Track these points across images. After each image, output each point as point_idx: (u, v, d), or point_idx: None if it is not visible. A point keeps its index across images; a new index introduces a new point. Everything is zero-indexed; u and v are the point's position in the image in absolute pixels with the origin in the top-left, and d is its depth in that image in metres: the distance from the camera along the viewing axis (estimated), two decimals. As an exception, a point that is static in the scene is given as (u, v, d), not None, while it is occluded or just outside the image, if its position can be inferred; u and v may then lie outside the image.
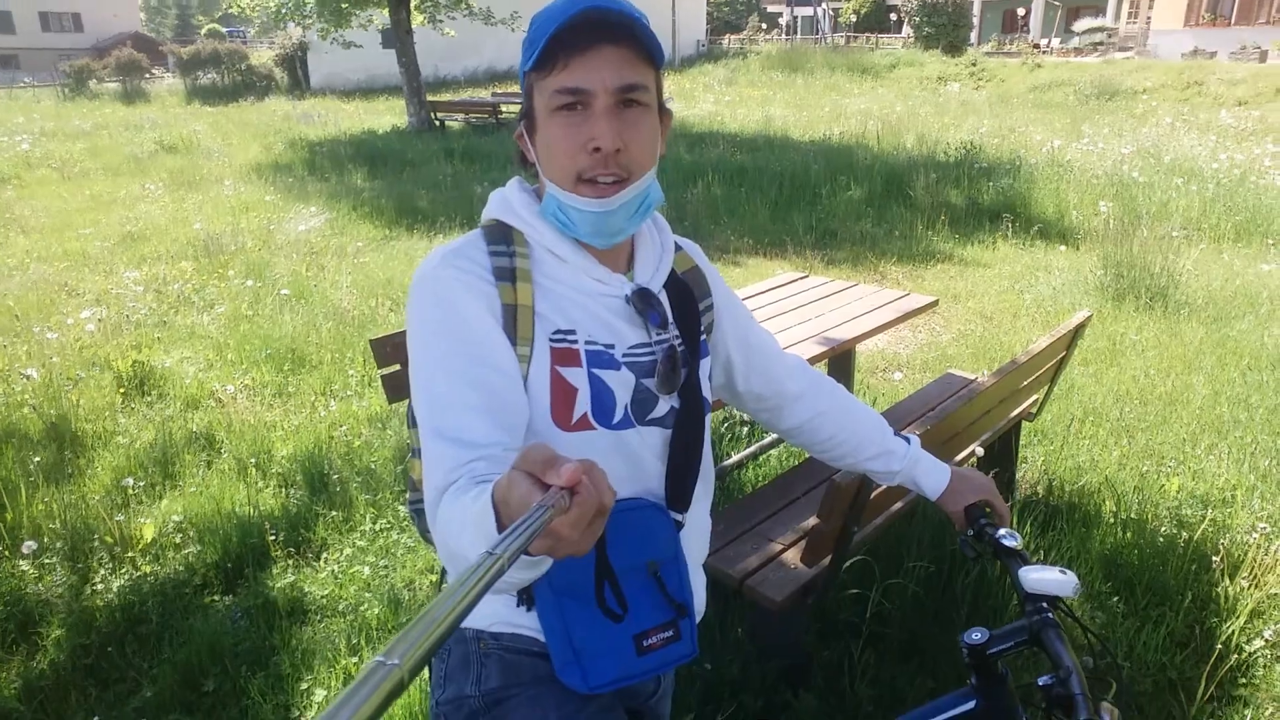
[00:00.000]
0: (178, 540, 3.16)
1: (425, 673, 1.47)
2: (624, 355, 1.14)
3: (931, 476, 1.40)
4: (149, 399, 4.44)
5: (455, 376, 1.02)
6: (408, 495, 1.31)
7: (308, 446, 3.81)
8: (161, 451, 3.77)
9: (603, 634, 1.11)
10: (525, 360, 1.07)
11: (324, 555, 3.08)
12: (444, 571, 1.30)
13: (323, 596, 2.86)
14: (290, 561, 3.04)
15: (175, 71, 31.90)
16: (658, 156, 1.11)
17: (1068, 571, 1.17)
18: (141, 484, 3.53)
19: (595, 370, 1.11)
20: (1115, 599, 2.61)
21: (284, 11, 16.63)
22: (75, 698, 2.44)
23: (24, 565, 2.98)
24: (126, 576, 2.94)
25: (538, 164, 1.11)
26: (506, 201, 1.16)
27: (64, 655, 2.59)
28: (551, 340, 1.09)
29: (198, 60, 29.50)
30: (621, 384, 1.13)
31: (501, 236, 1.12)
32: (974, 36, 32.87)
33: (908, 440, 1.43)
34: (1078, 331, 2.86)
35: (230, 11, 17.85)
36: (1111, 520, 3.01)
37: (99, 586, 2.88)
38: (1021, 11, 37.05)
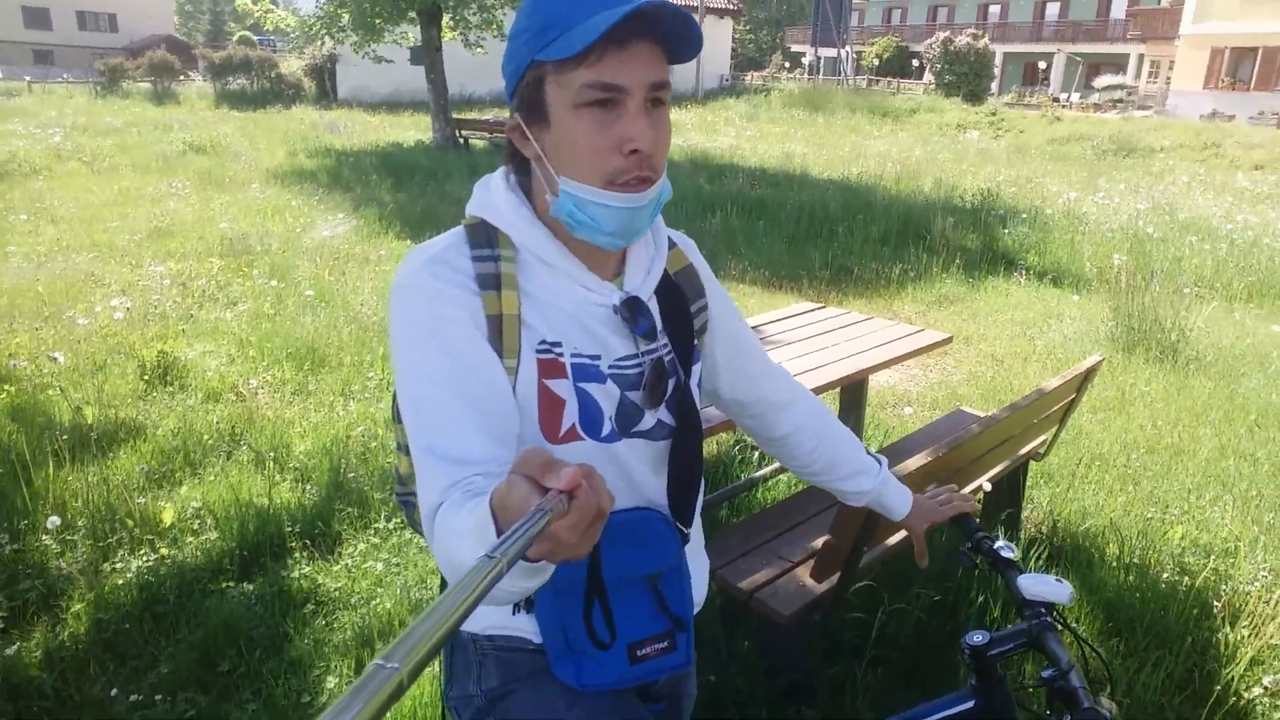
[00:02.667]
0: (195, 526, 3.23)
1: (435, 666, 1.51)
2: (610, 368, 1.10)
3: (898, 498, 1.43)
4: (171, 389, 4.52)
5: (444, 391, 0.98)
6: (396, 488, 1.31)
7: (326, 444, 3.88)
8: (182, 440, 3.84)
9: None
10: (513, 372, 1.04)
11: (338, 550, 3.14)
12: (444, 579, 1.34)
13: (336, 589, 2.91)
14: (306, 554, 3.10)
15: (206, 75, 32.41)
16: None
17: (1063, 580, 1.24)
18: (163, 470, 3.60)
19: (580, 384, 1.08)
20: (1116, 639, 2.65)
21: (319, 27, 16.95)
22: (94, 669, 2.50)
23: (47, 539, 3.04)
24: (145, 558, 3.00)
25: (544, 160, 1.04)
26: (491, 199, 1.10)
27: (84, 629, 2.65)
28: (538, 351, 1.06)
29: (229, 65, 29.98)
30: (606, 397, 1.10)
31: (485, 239, 1.07)
32: (995, 86, 33.23)
33: (879, 462, 1.44)
34: (1089, 375, 2.92)
35: (263, 26, 18.18)
36: (1114, 563, 3.06)
37: (118, 565, 2.95)
38: (1043, 65, 37.50)
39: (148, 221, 8.93)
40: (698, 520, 1.27)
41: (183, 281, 6.53)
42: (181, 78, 32.55)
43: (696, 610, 1.25)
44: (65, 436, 3.70)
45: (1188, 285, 6.52)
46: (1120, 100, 29.65)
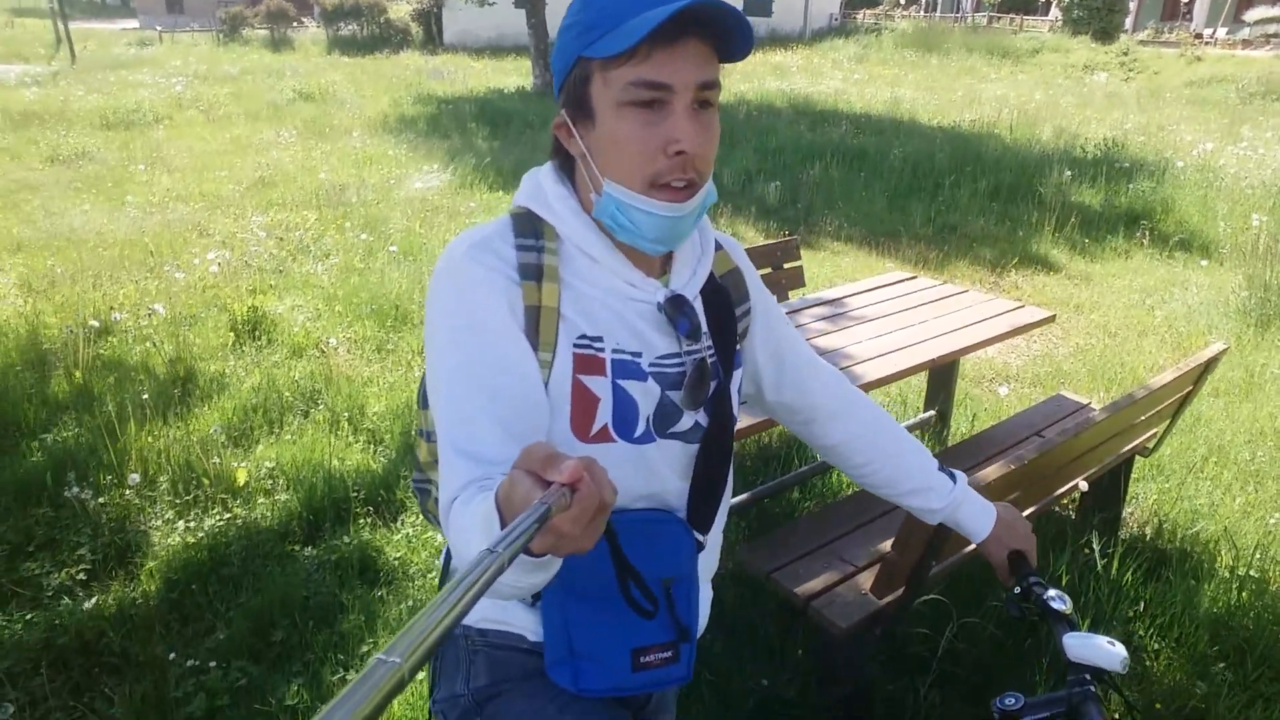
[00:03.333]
0: (268, 486, 3.29)
1: (421, 672, 1.47)
2: (651, 365, 1.08)
3: (976, 519, 1.32)
4: (259, 343, 4.62)
5: (474, 385, 0.97)
6: (413, 474, 1.31)
7: (399, 406, 3.89)
8: (263, 398, 3.92)
9: (601, 642, 1.09)
10: (547, 366, 1.02)
11: (401, 518, 3.15)
12: (443, 571, 1.29)
13: (395, 559, 2.92)
14: (368, 520, 3.12)
15: (319, 21, 33.12)
16: None
17: (1116, 643, 1.09)
18: (243, 427, 3.69)
19: (620, 380, 1.05)
20: (1222, 665, 2.39)
21: None
22: (160, 629, 2.57)
23: (129, 494, 3.15)
24: (218, 517, 3.07)
25: (588, 159, 1.02)
26: (540, 189, 1.09)
27: (155, 587, 2.74)
28: (576, 346, 1.03)
29: (340, 12, 30.50)
30: (646, 395, 1.07)
31: (531, 229, 1.06)
32: (1129, 23, 30.75)
33: (953, 477, 1.34)
34: (1209, 366, 2.61)
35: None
36: (1227, 575, 2.76)
37: (192, 524, 3.03)
38: (1187, -2, 34.40)
39: (253, 171, 9.19)
40: (714, 534, 1.21)
41: (279, 234, 6.68)
42: (296, 24, 33.38)
43: (700, 630, 1.21)
44: (155, 390, 3.82)
45: (1339, 252, 5.87)
46: (1276, 35, 26.93)
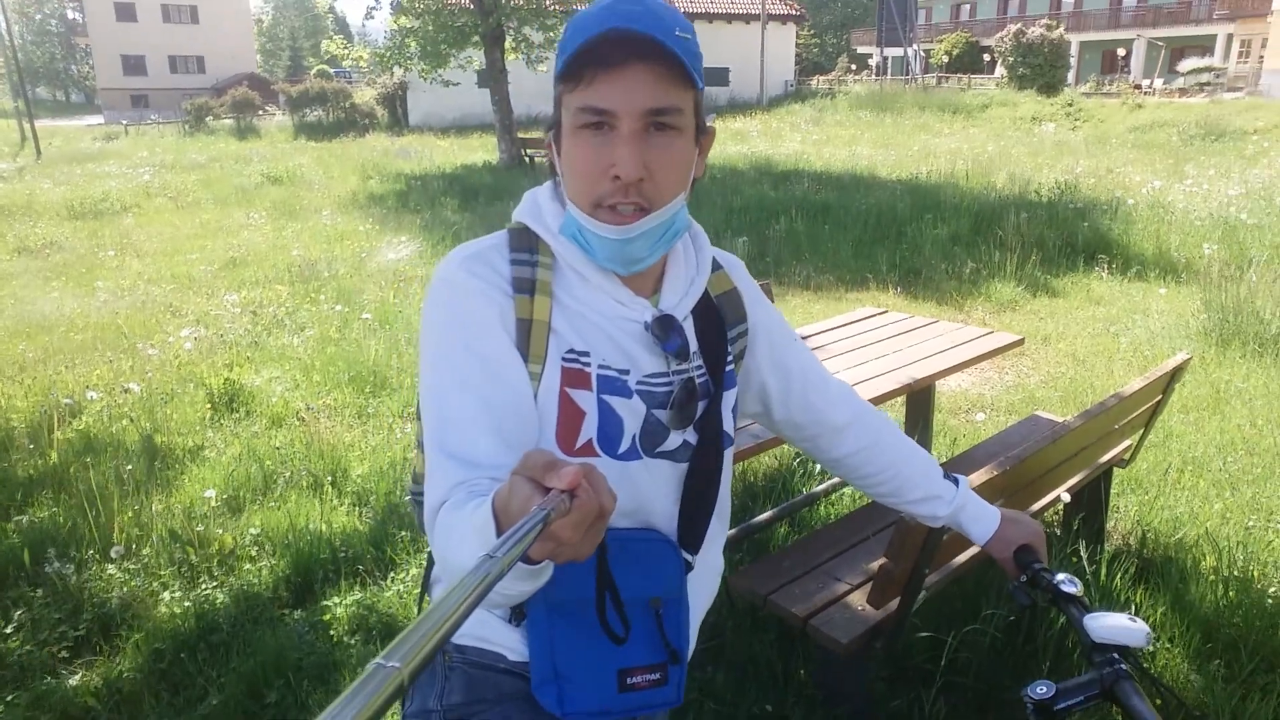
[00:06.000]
0: (253, 553, 3.24)
1: None
2: (638, 383, 1.08)
3: (979, 521, 1.32)
4: (237, 415, 4.60)
5: (465, 391, 0.98)
6: (410, 486, 1.29)
7: (382, 466, 3.88)
8: (244, 467, 3.89)
9: (587, 661, 1.07)
10: (536, 378, 1.03)
11: (391, 575, 3.11)
12: (424, 581, 1.28)
13: (388, 615, 2.88)
14: (358, 579, 3.08)
15: (285, 109, 33.64)
16: (689, 182, 1.06)
17: (1137, 619, 1.08)
18: (224, 497, 3.65)
19: (605, 396, 1.06)
20: (1216, 662, 2.42)
21: (390, 57, 17.58)
22: (149, 702, 2.50)
23: (111, 569, 3.10)
24: (204, 585, 3.02)
25: (561, 178, 1.06)
26: (537, 207, 1.11)
27: (141, 659, 2.67)
28: (564, 360, 1.05)
29: (305, 98, 31.07)
30: (631, 413, 1.07)
31: (526, 244, 1.08)
32: (1071, 77, 32.02)
33: (956, 482, 1.35)
34: (1175, 374, 2.70)
35: (343, 64, 18.96)
36: (1213, 577, 2.80)
37: (177, 594, 2.97)
38: (1122, 52, 35.95)
39: (224, 252, 9.23)
40: (710, 549, 1.20)
41: (254, 309, 6.69)
42: (261, 112, 33.86)
43: (689, 654, 1.18)
44: (134, 466, 3.78)
45: (1288, 273, 6.08)
46: (1208, 84, 28.15)
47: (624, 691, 1.08)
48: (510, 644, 1.11)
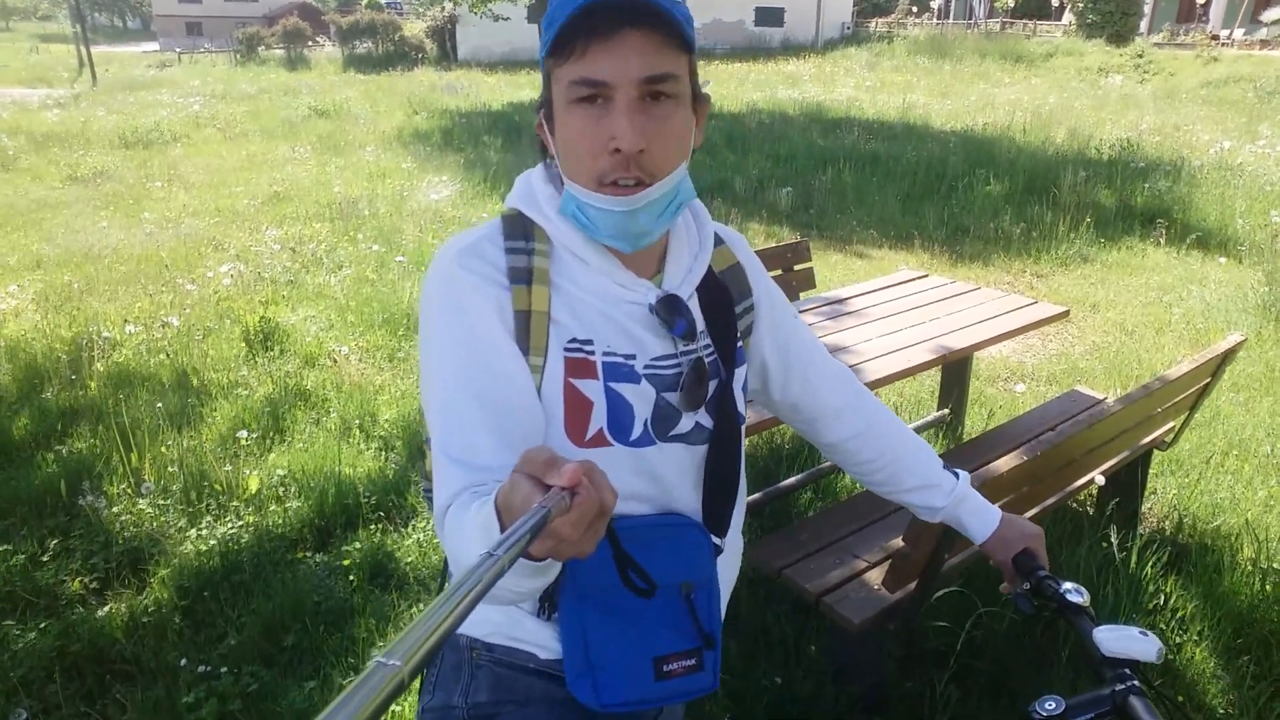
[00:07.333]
0: (280, 494, 3.29)
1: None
2: (645, 368, 1.05)
3: (978, 518, 1.28)
4: (271, 354, 4.65)
5: (465, 391, 0.97)
6: (422, 483, 1.28)
7: (410, 412, 3.90)
8: (275, 406, 3.93)
9: (620, 650, 1.05)
10: (538, 371, 1.00)
11: (412, 523, 3.14)
12: (442, 575, 1.27)
13: (407, 563, 2.91)
14: (380, 526, 3.11)
15: (335, 40, 33.51)
16: (689, 151, 1.02)
17: (1149, 634, 1.04)
18: (254, 436, 3.70)
19: (612, 383, 1.03)
20: (1245, 658, 2.34)
21: None
22: (171, 636, 2.57)
23: (142, 504, 3.16)
24: (229, 525, 3.08)
25: (557, 158, 1.02)
26: (531, 191, 1.08)
27: (167, 594, 2.74)
28: (567, 350, 1.02)
29: (356, 30, 30.86)
30: (641, 398, 1.05)
31: (521, 231, 1.05)
32: (1144, 25, 30.54)
33: (956, 475, 1.31)
34: (1227, 357, 2.57)
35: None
36: (1250, 569, 2.71)
37: (204, 532, 3.03)
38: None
39: (268, 186, 9.27)
40: (734, 539, 1.17)
41: (293, 246, 6.72)
42: (311, 43, 33.77)
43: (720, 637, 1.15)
44: (164, 403, 3.84)
45: (1361, 246, 5.79)
46: (1293, 34, 26.68)
47: (660, 680, 1.06)
48: (542, 641, 1.09)
